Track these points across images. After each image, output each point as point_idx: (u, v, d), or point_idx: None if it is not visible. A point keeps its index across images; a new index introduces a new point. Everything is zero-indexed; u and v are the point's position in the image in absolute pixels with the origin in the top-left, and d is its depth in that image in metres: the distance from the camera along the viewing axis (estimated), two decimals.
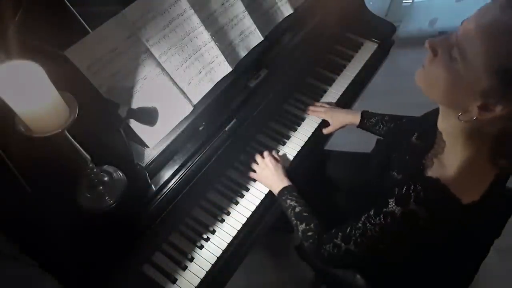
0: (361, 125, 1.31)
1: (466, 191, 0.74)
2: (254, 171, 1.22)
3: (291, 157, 1.28)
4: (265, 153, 1.23)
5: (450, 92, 0.71)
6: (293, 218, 1.05)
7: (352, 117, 1.32)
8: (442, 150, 0.80)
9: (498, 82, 0.63)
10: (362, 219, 0.85)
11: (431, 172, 0.78)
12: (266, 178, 1.18)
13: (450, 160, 0.77)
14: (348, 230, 0.88)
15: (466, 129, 0.73)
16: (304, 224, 1.01)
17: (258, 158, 1.23)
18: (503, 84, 0.63)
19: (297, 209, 1.05)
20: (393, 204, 0.77)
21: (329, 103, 1.41)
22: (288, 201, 1.08)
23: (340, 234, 0.90)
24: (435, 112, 0.86)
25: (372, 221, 0.82)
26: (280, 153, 1.28)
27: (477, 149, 0.74)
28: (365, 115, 1.30)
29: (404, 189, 0.76)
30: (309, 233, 0.99)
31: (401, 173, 0.90)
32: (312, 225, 1.00)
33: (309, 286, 1.73)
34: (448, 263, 1.02)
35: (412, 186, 0.75)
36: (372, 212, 0.83)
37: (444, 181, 0.74)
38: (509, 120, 0.66)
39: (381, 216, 0.80)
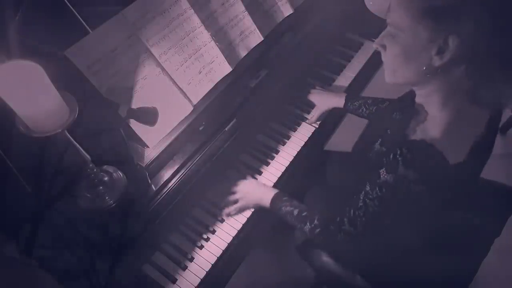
0: (345, 108, 1.33)
1: (451, 151, 0.75)
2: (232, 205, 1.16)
3: (291, 157, 1.28)
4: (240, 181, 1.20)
5: (408, 61, 0.78)
6: (295, 223, 1.04)
7: (336, 100, 1.34)
8: (424, 118, 0.82)
9: (432, 21, 0.70)
10: (361, 198, 0.85)
11: (415, 137, 0.80)
12: (252, 196, 1.14)
13: (433, 125, 0.79)
14: (352, 213, 0.88)
15: (440, 90, 0.78)
16: (308, 224, 1.00)
17: (234, 187, 1.17)
18: (437, 20, 0.70)
19: (295, 212, 1.04)
20: (384, 173, 0.79)
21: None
22: (283, 208, 1.07)
23: (345, 220, 0.90)
24: (410, 93, 0.93)
25: (370, 196, 0.83)
26: (280, 154, 1.28)
27: (454, 105, 0.78)
28: (348, 98, 1.32)
29: (391, 156, 0.78)
30: (317, 230, 0.98)
31: (384, 144, 0.92)
32: (315, 221, 0.99)
33: (309, 286, 1.73)
34: (448, 263, 1.02)
35: (398, 151, 0.77)
36: (368, 188, 0.84)
37: (429, 140, 0.76)
38: (468, 47, 0.70)
39: (377, 189, 0.81)
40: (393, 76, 0.83)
